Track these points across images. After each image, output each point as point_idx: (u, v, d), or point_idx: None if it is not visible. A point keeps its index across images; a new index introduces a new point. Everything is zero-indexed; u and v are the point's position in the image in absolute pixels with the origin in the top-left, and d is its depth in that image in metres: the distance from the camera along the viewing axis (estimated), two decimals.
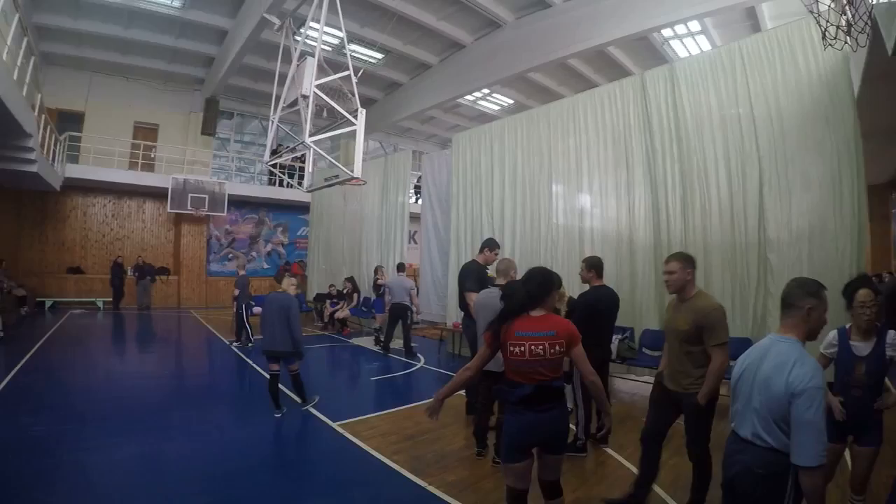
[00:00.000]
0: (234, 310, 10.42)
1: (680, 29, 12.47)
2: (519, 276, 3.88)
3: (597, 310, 4.72)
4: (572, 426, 4.42)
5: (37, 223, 15.80)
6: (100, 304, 15.93)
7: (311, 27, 8.97)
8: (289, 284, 6.20)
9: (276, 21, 9.59)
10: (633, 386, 7.29)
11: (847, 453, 3.48)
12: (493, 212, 9.57)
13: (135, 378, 8.00)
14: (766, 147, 5.93)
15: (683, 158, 6.71)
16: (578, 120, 8.15)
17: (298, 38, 9.18)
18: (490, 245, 6.16)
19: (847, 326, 3.30)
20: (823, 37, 4.28)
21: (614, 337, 6.25)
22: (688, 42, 13.36)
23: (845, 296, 3.26)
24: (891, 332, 3.14)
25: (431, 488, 3.93)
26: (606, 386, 4.95)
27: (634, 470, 4.00)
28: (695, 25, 12.28)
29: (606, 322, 4.87)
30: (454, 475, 4.21)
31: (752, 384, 2.20)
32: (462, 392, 5.59)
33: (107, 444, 4.80)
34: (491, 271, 5.84)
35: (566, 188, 8.37)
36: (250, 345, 10.04)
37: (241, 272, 10.86)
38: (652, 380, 6.79)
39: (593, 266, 4.94)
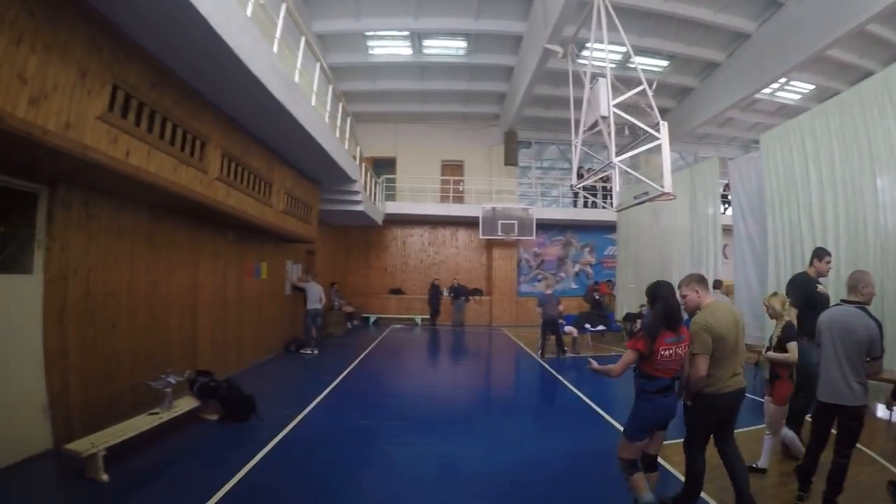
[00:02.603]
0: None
1: None
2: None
3: None
4: None
5: (362, 252, 18.96)
6: (417, 321, 18.04)
7: (593, 48, 8.63)
8: None
9: (559, 49, 9.54)
10: None
11: None
12: (813, 217, 8.02)
13: (447, 385, 8.99)
14: None
15: None
16: (895, 95, 6.60)
17: (583, 62, 8.84)
18: (818, 255, 5.42)
19: None
20: None
21: None
22: None
23: None
24: None
25: None
26: None
27: None
28: None
29: None
30: None
31: None
32: None
33: (418, 441, 5.51)
34: (823, 285, 5.36)
35: (893, 180, 6.76)
36: (546, 356, 10.97)
37: (548, 291, 11.91)
38: None
39: None
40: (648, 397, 3.44)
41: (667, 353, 3.35)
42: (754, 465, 4.44)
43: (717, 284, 9.67)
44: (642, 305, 12.93)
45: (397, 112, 18.53)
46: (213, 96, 5.75)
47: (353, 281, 18.42)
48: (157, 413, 5.07)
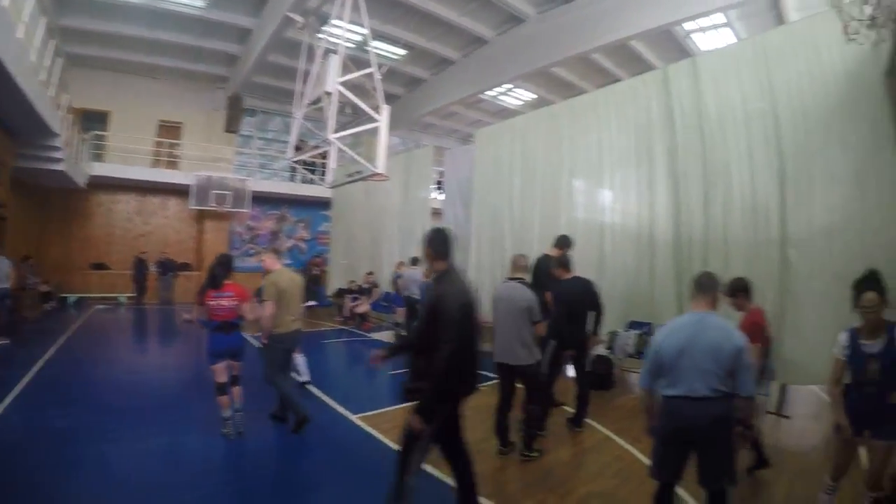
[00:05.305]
0: None
1: (703, 22, 12.21)
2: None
3: (564, 300, 5.35)
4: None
5: (62, 220, 16.02)
6: (122, 300, 16.06)
7: (334, 25, 9.01)
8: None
9: (300, 19, 9.65)
10: None
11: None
12: (514, 207, 9.56)
13: (156, 372, 8.19)
14: (789, 142, 5.78)
15: (706, 154, 6.59)
16: (600, 115, 8.10)
17: (322, 36, 9.18)
18: (567, 243, 6.28)
19: (855, 326, 3.34)
20: (845, 30, 4.25)
21: (632, 332, 7.41)
22: (711, 35, 13.17)
23: (853, 294, 3.33)
24: None
25: (448, 479, 3.83)
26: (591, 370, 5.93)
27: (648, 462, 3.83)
28: (719, 18, 12.04)
29: (576, 309, 5.34)
30: None
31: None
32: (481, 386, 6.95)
33: (129, 436, 4.96)
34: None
35: (587, 183, 8.35)
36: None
37: None
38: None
39: (560, 263, 5.61)
40: (209, 333, 4.94)
41: (213, 303, 4.88)
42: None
43: (415, 261, 10.61)
44: (352, 280, 14.02)
45: (119, 60, 15.96)
46: None
47: (51, 254, 15.46)
48: None
